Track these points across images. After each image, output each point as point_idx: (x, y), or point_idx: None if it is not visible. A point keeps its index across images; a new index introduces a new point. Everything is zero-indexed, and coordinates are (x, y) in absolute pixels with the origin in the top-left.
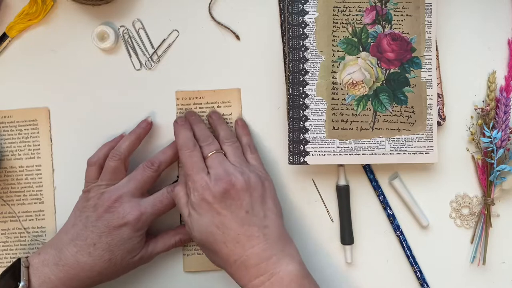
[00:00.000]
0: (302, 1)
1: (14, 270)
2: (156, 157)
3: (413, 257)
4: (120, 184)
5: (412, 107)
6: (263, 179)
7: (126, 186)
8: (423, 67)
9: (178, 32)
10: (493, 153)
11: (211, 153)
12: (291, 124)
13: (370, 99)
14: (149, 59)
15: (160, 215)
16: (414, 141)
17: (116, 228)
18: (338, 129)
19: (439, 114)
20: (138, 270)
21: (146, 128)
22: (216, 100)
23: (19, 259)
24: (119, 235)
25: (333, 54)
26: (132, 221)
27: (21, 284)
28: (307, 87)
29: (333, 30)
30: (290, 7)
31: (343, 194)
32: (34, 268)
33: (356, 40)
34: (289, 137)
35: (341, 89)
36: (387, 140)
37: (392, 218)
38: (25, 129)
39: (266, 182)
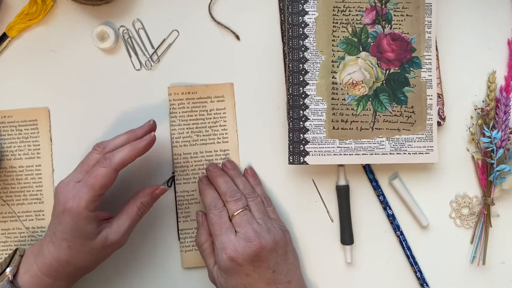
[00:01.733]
0: (302, 1)
1: (11, 257)
2: (107, 142)
3: (413, 257)
4: (73, 172)
5: (412, 107)
6: (284, 232)
7: (73, 172)
8: (423, 67)
9: (178, 32)
10: (493, 153)
11: (238, 211)
12: (291, 124)
13: (370, 99)
14: (149, 59)
15: (101, 192)
16: (414, 141)
17: (59, 215)
18: (338, 129)
19: (439, 114)
20: (136, 266)
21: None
22: (209, 95)
23: (17, 249)
24: (65, 222)
25: (333, 54)
26: (69, 207)
27: (9, 269)
28: (307, 87)
29: (333, 30)
30: (290, 7)
31: (343, 194)
32: (25, 257)
33: (356, 40)
34: (289, 137)
35: (341, 89)
36: (387, 140)
37: (392, 218)
38: (25, 129)
39: (286, 235)
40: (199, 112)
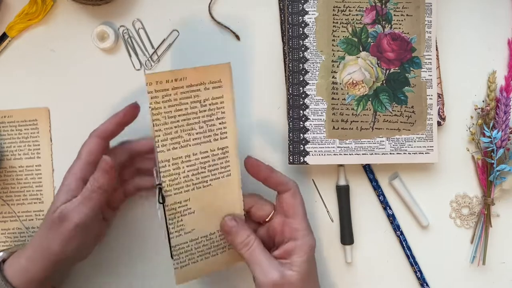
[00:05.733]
0: (302, 1)
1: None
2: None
3: (413, 257)
4: None
5: (412, 107)
6: None
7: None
8: (423, 67)
9: (178, 32)
10: (493, 153)
11: None
12: (291, 124)
13: (370, 99)
14: (149, 59)
15: (88, 159)
16: (414, 141)
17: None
18: (338, 129)
19: (439, 114)
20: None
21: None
22: (203, 81)
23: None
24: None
25: (333, 54)
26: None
27: (1, 254)
28: (307, 87)
29: (333, 30)
30: (290, 7)
31: (343, 194)
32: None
33: (356, 40)
34: (289, 137)
35: (341, 89)
36: (387, 140)
37: (392, 218)
38: (25, 129)
39: None
40: (190, 105)
